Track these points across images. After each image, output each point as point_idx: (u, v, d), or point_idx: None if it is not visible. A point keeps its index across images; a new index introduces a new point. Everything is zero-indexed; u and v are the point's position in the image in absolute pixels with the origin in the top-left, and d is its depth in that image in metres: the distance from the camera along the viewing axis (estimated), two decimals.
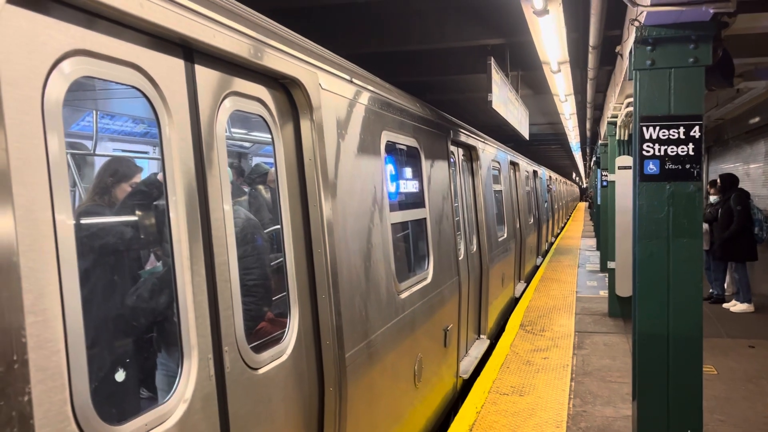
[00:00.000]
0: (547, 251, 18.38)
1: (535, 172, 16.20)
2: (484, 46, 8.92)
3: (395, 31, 8.51)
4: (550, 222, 20.42)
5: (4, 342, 1.50)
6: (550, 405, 5.67)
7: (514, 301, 10.59)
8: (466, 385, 6.46)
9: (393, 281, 4.21)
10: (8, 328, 1.51)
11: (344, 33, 8.33)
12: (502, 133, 14.83)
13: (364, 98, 3.96)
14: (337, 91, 3.51)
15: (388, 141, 4.36)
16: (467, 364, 6.60)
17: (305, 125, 3.11)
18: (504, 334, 8.41)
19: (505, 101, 8.78)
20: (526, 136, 11.72)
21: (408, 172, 5.07)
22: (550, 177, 23.04)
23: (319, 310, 3.16)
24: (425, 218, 5.23)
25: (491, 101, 7.71)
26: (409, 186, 5.06)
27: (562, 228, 29.59)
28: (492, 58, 7.71)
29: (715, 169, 14.19)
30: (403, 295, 4.39)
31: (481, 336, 7.67)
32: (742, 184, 10.15)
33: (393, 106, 4.54)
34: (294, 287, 3.01)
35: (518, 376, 6.55)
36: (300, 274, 3.06)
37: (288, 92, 3.06)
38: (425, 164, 5.32)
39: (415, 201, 5.14)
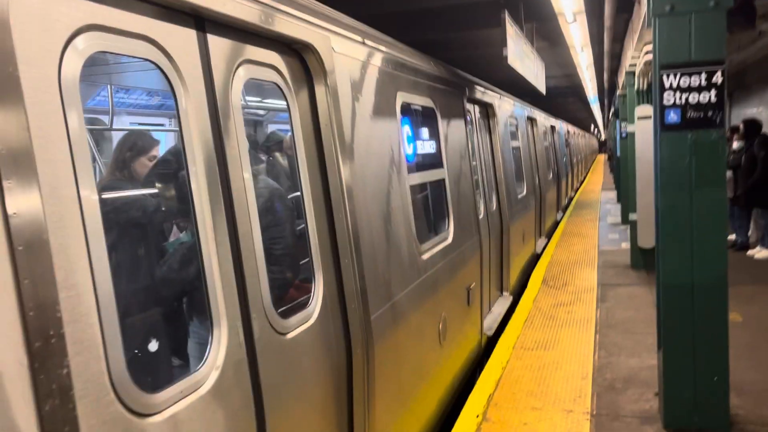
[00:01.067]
0: (567, 206, 18.27)
1: (552, 126, 15.99)
2: (496, 0, 8.73)
3: None
4: (570, 176, 20.23)
5: (41, 317, 1.54)
6: (576, 358, 5.72)
7: (536, 257, 10.59)
8: (491, 342, 6.52)
9: (414, 243, 4.22)
10: (43, 303, 1.55)
11: None
12: (519, 88, 14.59)
13: (378, 59, 3.92)
14: (351, 54, 3.47)
15: (403, 102, 4.32)
16: (491, 321, 6.65)
17: (320, 90, 3.09)
18: (527, 290, 8.44)
19: (521, 55, 8.63)
20: (543, 90, 11.54)
21: (425, 132, 5.03)
22: (568, 131, 22.72)
23: (343, 274, 3.18)
24: (444, 178, 5.21)
25: (507, 56, 7.58)
26: (427, 147, 5.03)
27: (582, 182, 29.32)
28: (506, 11, 7.55)
29: (737, 115, 13.90)
30: (425, 256, 4.41)
31: (504, 293, 7.71)
32: (766, 129, 9.93)
33: (407, 66, 4.48)
34: (317, 252, 3.04)
35: (542, 331, 6.59)
36: (322, 240, 3.08)
37: (301, 57, 3.03)
38: (442, 124, 5.28)
39: (432, 162, 5.11)
